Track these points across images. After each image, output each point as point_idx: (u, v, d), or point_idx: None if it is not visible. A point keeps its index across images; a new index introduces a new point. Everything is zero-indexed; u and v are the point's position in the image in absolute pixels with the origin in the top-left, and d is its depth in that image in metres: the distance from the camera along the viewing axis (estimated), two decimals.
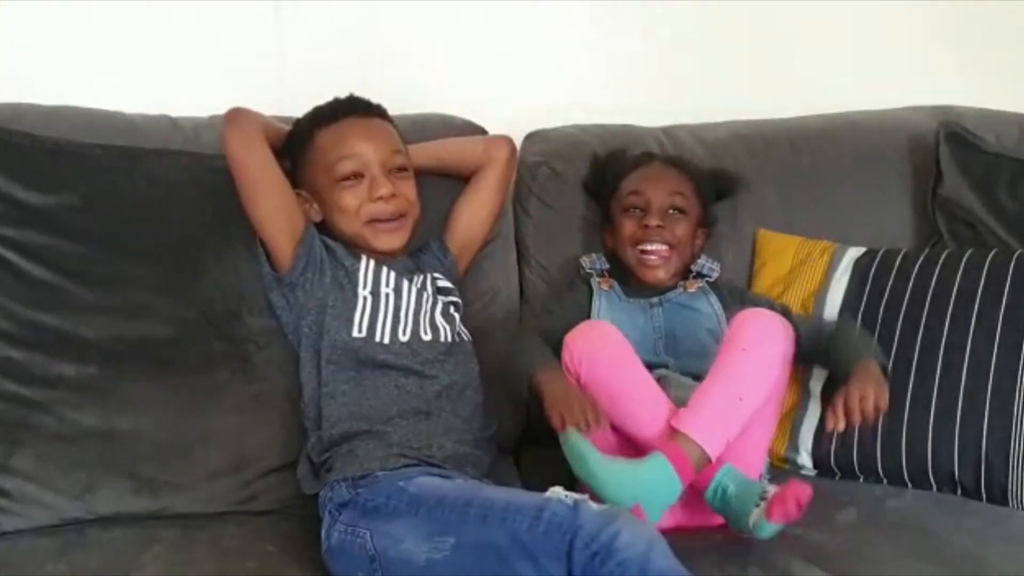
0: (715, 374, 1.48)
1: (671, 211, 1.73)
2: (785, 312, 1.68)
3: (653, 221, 1.70)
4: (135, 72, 1.94)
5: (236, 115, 1.57)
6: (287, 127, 1.66)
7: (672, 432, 1.44)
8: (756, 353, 1.48)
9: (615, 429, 1.50)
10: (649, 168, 1.78)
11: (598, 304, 1.72)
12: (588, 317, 1.70)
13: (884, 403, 1.44)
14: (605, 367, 1.51)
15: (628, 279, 1.77)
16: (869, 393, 1.43)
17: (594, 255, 1.81)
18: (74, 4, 1.91)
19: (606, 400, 1.49)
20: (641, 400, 1.51)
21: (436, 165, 1.76)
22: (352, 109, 1.61)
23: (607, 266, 1.80)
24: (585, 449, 1.39)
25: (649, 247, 1.71)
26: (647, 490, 1.39)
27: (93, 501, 1.50)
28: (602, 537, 1.19)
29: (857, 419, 1.43)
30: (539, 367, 1.52)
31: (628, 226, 1.73)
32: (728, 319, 1.64)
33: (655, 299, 1.73)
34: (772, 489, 1.43)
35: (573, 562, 1.20)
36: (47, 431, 1.51)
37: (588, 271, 1.79)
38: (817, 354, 1.65)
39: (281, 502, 1.58)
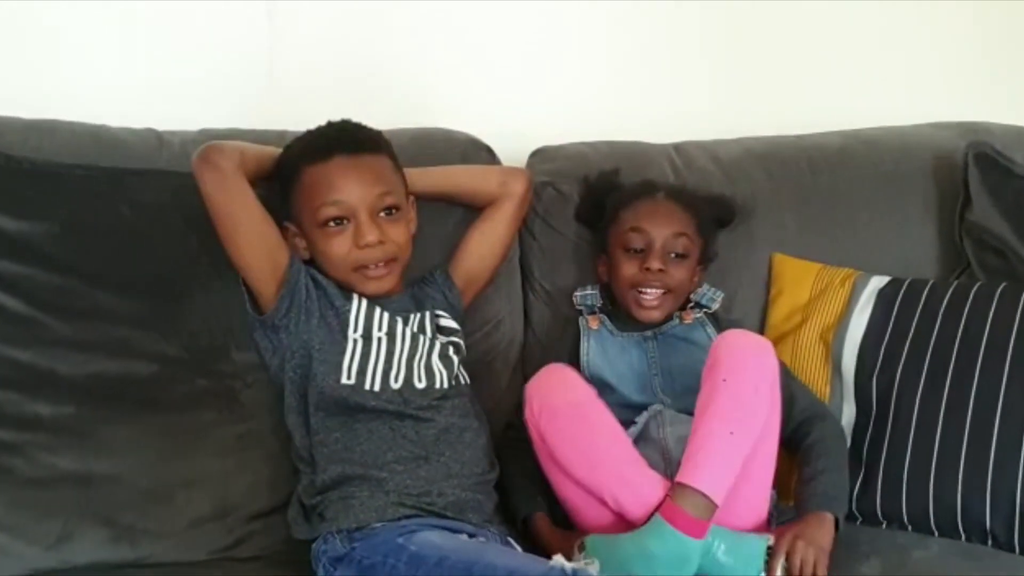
0: (700, 411, 1.43)
1: (672, 255, 1.64)
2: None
3: (655, 264, 1.62)
4: (120, 83, 1.87)
5: (210, 153, 1.48)
6: (275, 150, 1.57)
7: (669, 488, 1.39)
8: (737, 380, 1.42)
9: (582, 486, 1.45)
10: (653, 202, 1.68)
11: (586, 345, 1.65)
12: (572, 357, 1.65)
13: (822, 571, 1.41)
14: (564, 417, 1.45)
15: (621, 312, 1.69)
16: (809, 560, 1.40)
17: (588, 288, 1.73)
18: (56, 11, 1.83)
19: (567, 452, 1.44)
20: (604, 449, 1.44)
21: (448, 192, 1.68)
22: (340, 146, 1.51)
23: (599, 302, 1.72)
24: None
25: (647, 290, 1.63)
26: (652, 562, 1.34)
27: (68, 551, 1.42)
28: None
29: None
30: (531, 514, 1.52)
31: (627, 267, 1.65)
32: None
33: (649, 332, 1.66)
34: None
35: None
36: (20, 475, 1.44)
37: (578, 307, 1.72)
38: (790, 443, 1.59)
39: (269, 548, 1.51)
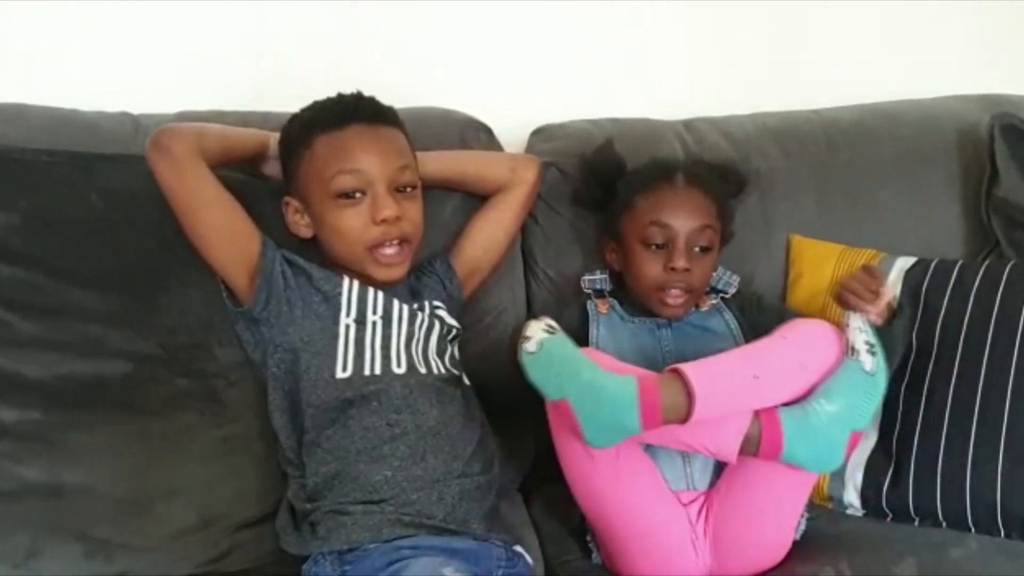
0: (740, 347, 1.35)
1: (697, 249, 1.53)
2: None
3: (680, 263, 1.50)
4: (93, 64, 1.79)
5: (160, 137, 1.39)
6: (248, 131, 1.50)
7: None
8: (796, 347, 1.33)
9: None
10: (673, 190, 1.54)
11: (595, 331, 1.55)
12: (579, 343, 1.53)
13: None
14: None
15: (634, 299, 1.59)
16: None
17: (598, 273, 1.63)
18: None
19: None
20: None
21: (454, 178, 1.60)
22: (358, 115, 1.43)
23: (609, 287, 1.62)
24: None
25: (672, 290, 1.52)
26: (599, 404, 1.27)
27: (37, 568, 1.36)
28: None
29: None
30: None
31: (649, 266, 1.52)
32: (749, 332, 1.51)
33: (663, 319, 1.56)
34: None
35: None
36: None
37: (587, 291, 1.63)
38: None
39: (258, 560, 1.45)
